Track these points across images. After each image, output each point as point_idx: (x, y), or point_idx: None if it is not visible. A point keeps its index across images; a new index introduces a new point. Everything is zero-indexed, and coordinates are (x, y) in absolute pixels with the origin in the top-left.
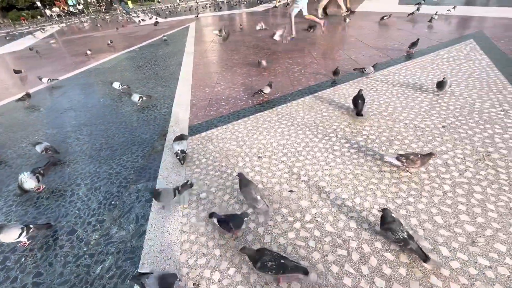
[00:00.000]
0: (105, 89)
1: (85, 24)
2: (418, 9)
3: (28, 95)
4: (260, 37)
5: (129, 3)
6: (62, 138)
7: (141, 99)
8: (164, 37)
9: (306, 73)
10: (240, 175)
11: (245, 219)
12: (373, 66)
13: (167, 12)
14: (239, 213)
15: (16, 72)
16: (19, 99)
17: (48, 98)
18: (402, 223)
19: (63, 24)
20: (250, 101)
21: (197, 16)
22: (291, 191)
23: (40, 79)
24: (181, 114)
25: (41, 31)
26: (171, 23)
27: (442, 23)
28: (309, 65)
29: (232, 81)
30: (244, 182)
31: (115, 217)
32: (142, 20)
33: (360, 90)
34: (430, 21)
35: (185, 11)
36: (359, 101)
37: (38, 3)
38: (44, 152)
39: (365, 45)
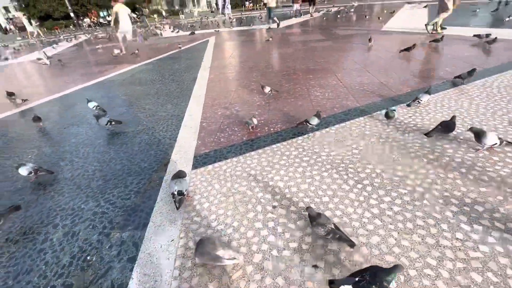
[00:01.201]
0: (111, 103)
1: (110, 34)
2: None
3: (38, 119)
4: (281, 54)
5: (155, 15)
6: (56, 160)
7: (109, 123)
8: (180, 45)
9: (330, 98)
10: None
11: None
12: (427, 93)
13: (188, 26)
14: None
15: (9, 94)
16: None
17: (56, 110)
18: (327, 216)
19: (91, 34)
20: (266, 127)
21: (218, 30)
22: (315, 266)
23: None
24: (187, 140)
25: (67, 41)
26: (191, 36)
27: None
28: (333, 88)
29: (248, 102)
30: None
31: (85, 282)
32: (164, 32)
33: (454, 117)
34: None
35: (206, 25)
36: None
37: (72, 14)
38: (32, 173)
39: (395, 68)
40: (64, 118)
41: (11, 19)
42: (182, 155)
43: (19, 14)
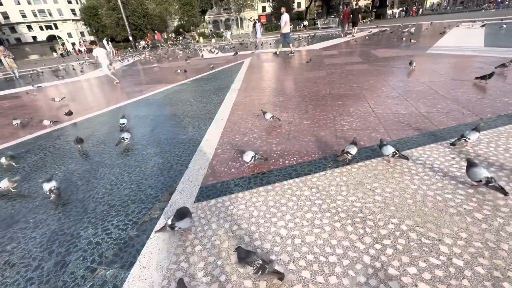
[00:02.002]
0: (139, 123)
1: (160, 54)
2: None
3: (80, 140)
4: (312, 77)
5: (201, 38)
6: (75, 179)
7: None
8: (212, 65)
9: (357, 129)
10: None
11: None
12: (476, 130)
13: (227, 47)
14: None
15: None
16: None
17: (91, 127)
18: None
19: (143, 55)
20: (281, 159)
21: (254, 52)
22: None
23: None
24: (198, 167)
25: (120, 61)
26: (228, 58)
27: None
28: (363, 117)
29: (267, 129)
30: None
31: None
32: (205, 53)
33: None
34: None
35: (246, 46)
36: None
37: (130, 38)
38: (48, 193)
39: (441, 96)
40: (97, 135)
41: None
42: (189, 185)
43: (89, 39)
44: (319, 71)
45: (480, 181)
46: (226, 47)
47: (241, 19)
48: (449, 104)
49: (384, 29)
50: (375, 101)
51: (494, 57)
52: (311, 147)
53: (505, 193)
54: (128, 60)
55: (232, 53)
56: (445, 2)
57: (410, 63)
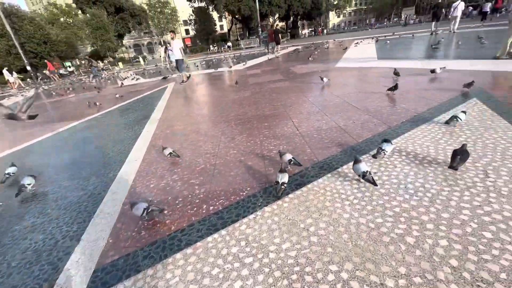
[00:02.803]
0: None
1: (67, 86)
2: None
3: None
4: (237, 99)
5: (120, 64)
6: None
7: None
8: (119, 95)
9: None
10: None
11: None
12: (387, 141)
13: (151, 72)
14: None
15: None
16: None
17: None
18: None
19: (47, 86)
20: (205, 205)
21: (170, 76)
22: None
23: None
24: (95, 238)
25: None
26: (150, 84)
27: (434, 82)
28: (289, 138)
29: (190, 166)
30: None
31: None
32: (127, 80)
33: (464, 145)
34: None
35: (160, 72)
36: (459, 156)
37: (28, 67)
38: None
39: (354, 108)
40: None
41: None
42: (78, 270)
43: None
44: (245, 91)
45: (360, 175)
46: (150, 71)
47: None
48: (361, 115)
49: (307, 46)
50: (299, 119)
51: (386, 68)
52: (239, 182)
53: (375, 184)
54: (24, 94)
55: (155, 79)
56: (342, 23)
57: (321, 78)
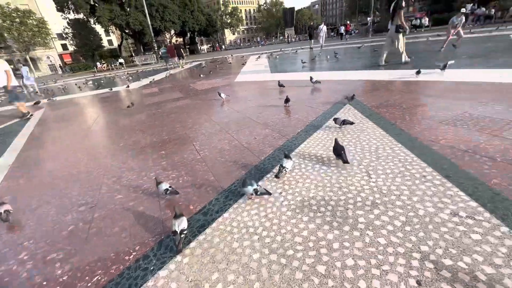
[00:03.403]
0: None
1: None
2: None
3: None
4: (130, 124)
5: None
6: None
7: None
8: None
9: (185, 186)
10: None
11: None
12: (288, 157)
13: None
14: None
15: None
16: None
17: None
18: None
19: None
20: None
21: (53, 99)
22: None
23: None
24: None
25: None
26: (4, 114)
27: (317, 91)
28: (191, 167)
29: (52, 233)
30: None
31: None
32: None
33: (336, 140)
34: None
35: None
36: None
37: None
38: None
39: (254, 123)
40: None
41: None
42: None
43: None
44: (140, 114)
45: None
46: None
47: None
48: (262, 130)
49: (211, 61)
50: (201, 141)
51: (278, 80)
52: (125, 241)
53: (269, 193)
54: None
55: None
56: (238, 40)
57: (219, 94)
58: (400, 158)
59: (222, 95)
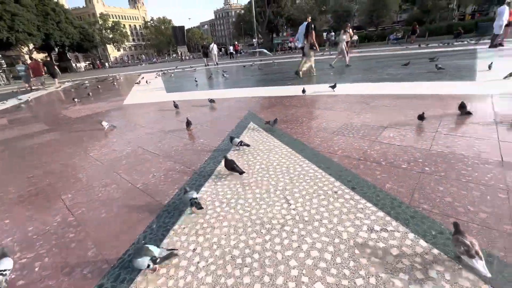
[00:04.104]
0: None
1: None
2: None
3: None
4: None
5: None
6: None
7: None
8: None
9: (32, 281)
10: None
11: None
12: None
13: None
14: None
15: None
16: None
17: None
18: None
19: None
20: None
21: None
22: None
23: None
24: None
25: None
26: None
27: (218, 111)
28: (57, 241)
29: None
30: None
31: None
32: None
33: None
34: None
35: None
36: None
37: None
38: None
39: (152, 155)
40: None
41: None
42: None
43: None
44: None
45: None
46: None
47: None
48: (163, 163)
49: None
50: (74, 193)
51: (178, 101)
52: None
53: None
54: None
55: None
56: (125, 57)
57: (101, 123)
58: (311, 175)
59: (104, 123)
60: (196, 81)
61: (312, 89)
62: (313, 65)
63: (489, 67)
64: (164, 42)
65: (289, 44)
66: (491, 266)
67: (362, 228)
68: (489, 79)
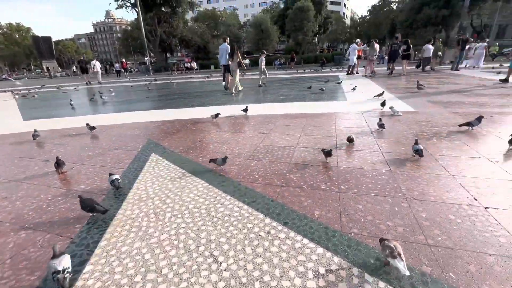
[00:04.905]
0: None
1: None
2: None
3: None
4: None
5: None
6: None
7: None
8: None
9: None
10: None
11: None
12: None
13: None
14: None
15: None
16: None
17: None
18: None
19: None
20: None
21: None
22: None
23: None
24: None
25: None
26: None
27: (100, 140)
28: None
29: None
30: None
31: None
32: None
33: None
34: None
35: None
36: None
37: None
38: None
39: None
40: None
41: None
42: None
43: None
44: None
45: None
46: None
47: None
48: (12, 235)
49: None
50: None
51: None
52: None
53: None
54: None
55: None
56: None
57: None
58: (236, 215)
59: None
60: (72, 103)
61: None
62: (238, 81)
63: (353, 89)
64: (21, 53)
65: (186, 65)
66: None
67: (308, 276)
68: (356, 99)
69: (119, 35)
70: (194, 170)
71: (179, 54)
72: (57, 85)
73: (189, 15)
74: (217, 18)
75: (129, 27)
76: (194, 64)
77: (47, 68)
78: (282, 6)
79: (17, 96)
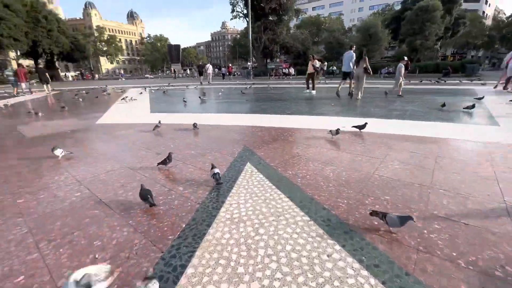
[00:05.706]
0: None
1: None
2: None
3: None
4: None
5: None
6: None
7: None
8: None
9: None
10: None
11: None
12: None
13: None
14: None
15: None
16: None
17: None
18: None
19: None
20: None
21: None
22: None
23: None
24: None
25: None
26: None
27: (201, 137)
28: None
29: None
30: None
31: None
32: None
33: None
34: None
35: None
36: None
37: None
38: None
39: (107, 216)
40: None
41: None
42: None
43: None
44: None
45: None
46: None
47: None
48: (116, 231)
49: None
50: None
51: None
52: None
53: None
54: None
55: None
56: (117, 70)
57: (53, 150)
58: (352, 283)
59: (58, 151)
60: (185, 101)
61: (318, 121)
62: (362, 89)
63: None
64: (159, 58)
65: (283, 70)
66: None
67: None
68: None
69: (230, 43)
70: (292, 194)
71: (277, 60)
72: (178, 84)
73: (293, 22)
74: (320, 24)
75: (238, 36)
76: (291, 70)
77: (174, 70)
78: (398, 7)
79: (153, 91)
